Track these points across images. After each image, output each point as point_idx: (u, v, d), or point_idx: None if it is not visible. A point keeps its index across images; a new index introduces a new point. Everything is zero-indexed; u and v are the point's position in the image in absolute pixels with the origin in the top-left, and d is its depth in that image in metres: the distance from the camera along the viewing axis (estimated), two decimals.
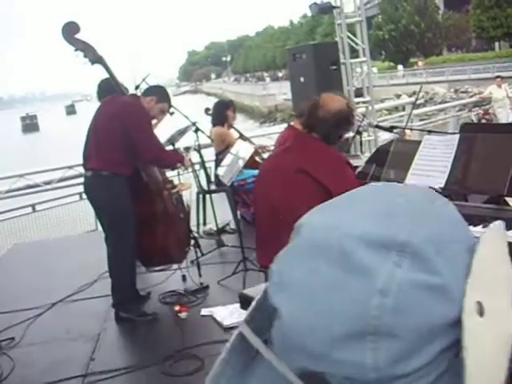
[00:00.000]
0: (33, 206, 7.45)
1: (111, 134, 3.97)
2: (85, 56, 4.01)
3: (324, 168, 2.65)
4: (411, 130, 6.14)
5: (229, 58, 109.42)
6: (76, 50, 4.00)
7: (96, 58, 4.03)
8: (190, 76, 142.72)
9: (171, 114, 5.65)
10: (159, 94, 4.20)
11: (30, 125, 66.22)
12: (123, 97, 4.20)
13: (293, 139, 2.95)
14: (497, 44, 47.10)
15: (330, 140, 2.81)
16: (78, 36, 4.00)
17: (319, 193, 2.61)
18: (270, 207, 2.77)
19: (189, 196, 4.79)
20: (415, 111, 12.11)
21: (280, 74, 67.48)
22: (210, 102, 6.49)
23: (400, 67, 47.71)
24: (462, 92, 31.61)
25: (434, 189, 3.00)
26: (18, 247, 6.90)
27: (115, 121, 3.97)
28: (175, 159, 4.42)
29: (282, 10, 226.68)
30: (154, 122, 5.60)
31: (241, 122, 37.29)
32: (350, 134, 6.08)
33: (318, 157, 2.71)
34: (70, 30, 3.99)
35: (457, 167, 3.03)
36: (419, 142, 3.30)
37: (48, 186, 7.23)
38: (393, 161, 3.34)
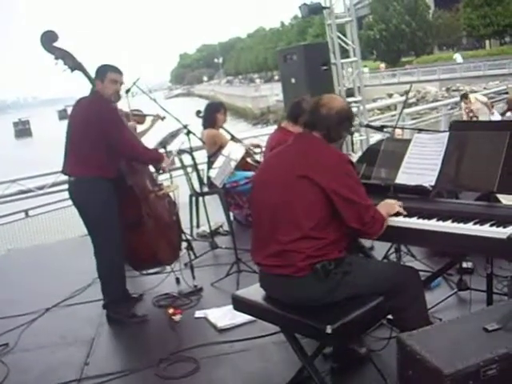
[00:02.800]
0: (26, 211, 7.44)
1: (84, 139, 4.00)
2: (64, 63, 4.07)
3: (324, 171, 2.65)
4: (401, 128, 6.16)
5: (221, 61, 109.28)
6: (56, 58, 4.06)
7: (75, 65, 4.08)
8: (182, 79, 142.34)
9: (163, 118, 5.67)
10: (98, 74, 4.13)
11: (22, 130, 65.91)
12: (86, 99, 4.18)
13: (295, 139, 2.94)
14: (487, 42, 47.26)
15: (332, 138, 2.82)
16: (56, 44, 4.06)
17: (318, 195, 2.63)
18: (269, 205, 2.77)
19: (177, 198, 4.78)
20: (407, 110, 12.16)
21: (276, 77, 67.32)
22: (203, 105, 6.48)
23: (365, 70, 47.85)
24: (454, 90, 31.72)
25: (425, 187, 3.02)
26: (12, 253, 6.90)
27: (84, 125, 4.00)
28: (153, 155, 4.41)
29: (273, 11, 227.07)
30: (143, 127, 5.62)
31: (233, 124, 37.25)
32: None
33: (319, 159, 2.71)
34: (48, 39, 4.04)
35: (447, 165, 3.03)
36: (409, 141, 3.31)
37: (40, 191, 7.22)
38: (383, 160, 3.35)
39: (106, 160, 4.05)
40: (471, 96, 12.22)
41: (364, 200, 2.71)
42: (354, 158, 4.47)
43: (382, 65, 48.59)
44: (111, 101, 4.17)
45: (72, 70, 4.10)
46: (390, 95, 33.22)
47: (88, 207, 4.10)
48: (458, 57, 41.25)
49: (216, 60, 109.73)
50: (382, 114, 14.54)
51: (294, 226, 2.65)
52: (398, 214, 2.90)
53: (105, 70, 4.13)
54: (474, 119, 10.53)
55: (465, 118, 11.00)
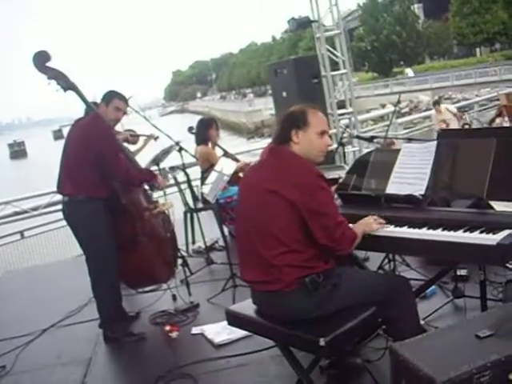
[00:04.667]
0: (21, 232, 7.44)
1: (80, 159, 4.02)
2: (57, 84, 4.04)
3: (294, 186, 2.65)
4: (391, 138, 6.17)
5: (214, 76, 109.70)
6: (49, 78, 4.03)
7: (68, 85, 4.06)
8: (175, 96, 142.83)
9: (156, 138, 5.70)
10: (104, 97, 4.23)
11: (17, 151, 66.24)
12: (84, 120, 4.23)
13: (267, 154, 2.97)
14: (478, 50, 47.60)
15: (281, 140, 2.82)
16: (48, 64, 4.03)
17: (288, 210, 2.63)
18: (246, 223, 2.79)
19: (172, 215, 4.79)
20: (400, 120, 12.21)
21: (269, 91, 67.75)
22: (196, 121, 6.50)
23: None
24: (446, 99, 31.85)
25: (415, 196, 3.03)
26: (8, 275, 6.89)
27: (81, 145, 4.03)
28: (145, 176, 4.44)
29: (265, 26, 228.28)
30: (136, 147, 5.64)
31: (228, 140, 37.32)
32: (334, 146, 6.14)
33: (290, 174, 2.71)
34: (40, 59, 4.02)
35: (436, 173, 3.04)
36: (398, 151, 3.32)
37: (35, 212, 7.22)
38: (373, 170, 3.36)
39: (99, 180, 4.07)
40: (442, 106, 12.18)
41: (334, 216, 2.70)
42: (346, 169, 4.49)
43: (354, 79, 49.54)
44: (110, 125, 4.20)
45: (65, 90, 4.08)
46: (383, 105, 33.36)
47: (80, 227, 4.11)
48: (409, 71, 45.11)
49: (209, 76, 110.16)
50: (375, 125, 14.58)
51: (274, 241, 2.65)
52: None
53: (112, 96, 4.20)
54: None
55: (437, 128, 10.90)
